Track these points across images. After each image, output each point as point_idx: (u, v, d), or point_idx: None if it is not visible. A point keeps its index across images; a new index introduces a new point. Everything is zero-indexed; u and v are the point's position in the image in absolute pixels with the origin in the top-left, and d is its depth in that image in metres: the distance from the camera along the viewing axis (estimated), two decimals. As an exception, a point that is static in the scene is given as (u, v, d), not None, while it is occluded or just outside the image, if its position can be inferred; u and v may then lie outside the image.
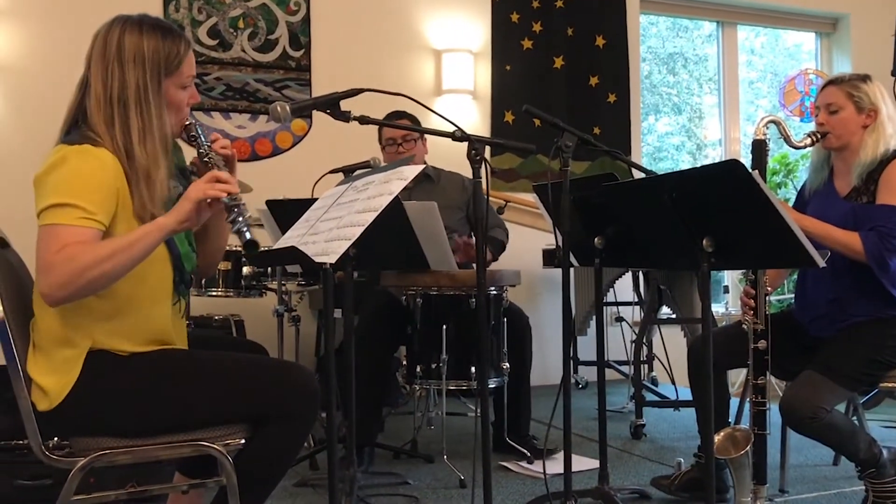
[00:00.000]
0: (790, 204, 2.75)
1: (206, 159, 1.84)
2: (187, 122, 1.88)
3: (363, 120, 2.05)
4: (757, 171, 2.38)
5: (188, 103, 1.87)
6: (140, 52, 1.76)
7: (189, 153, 1.92)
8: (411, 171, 1.89)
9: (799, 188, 2.78)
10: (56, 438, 1.75)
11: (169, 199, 1.80)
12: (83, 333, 1.73)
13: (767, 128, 2.48)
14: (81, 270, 1.60)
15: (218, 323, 3.85)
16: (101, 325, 1.75)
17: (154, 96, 1.77)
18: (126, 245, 1.66)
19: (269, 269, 3.59)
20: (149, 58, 1.77)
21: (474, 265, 2.71)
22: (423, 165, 3.44)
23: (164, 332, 1.84)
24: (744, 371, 2.49)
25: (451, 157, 3.51)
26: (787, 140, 2.51)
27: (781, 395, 2.41)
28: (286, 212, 2.55)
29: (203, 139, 1.87)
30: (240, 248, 3.58)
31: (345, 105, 2.06)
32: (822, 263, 1.79)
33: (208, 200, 1.71)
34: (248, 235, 1.70)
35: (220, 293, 3.63)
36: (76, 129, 1.78)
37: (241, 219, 1.71)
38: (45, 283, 1.62)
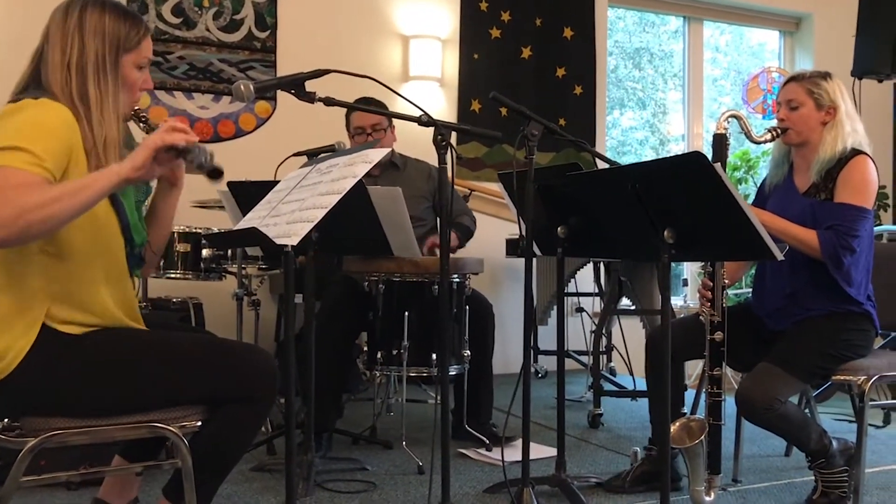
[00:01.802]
0: (751, 199, 2.79)
1: None
2: (136, 107, 1.88)
3: (328, 101, 2.03)
4: (718, 163, 2.40)
5: (141, 87, 1.87)
6: (101, 27, 1.77)
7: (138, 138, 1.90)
8: (377, 154, 1.87)
9: (759, 183, 2.82)
10: (6, 420, 1.71)
11: None
12: (36, 298, 1.69)
13: (728, 122, 2.51)
14: (22, 211, 1.53)
15: (176, 305, 3.80)
16: (53, 291, 1.71)
17: (111, 69, 1.78)
18: (74, 189, 1.61)
19: (229, 251, 3.55)
20: (108, 32, 1.78)
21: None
22: (390, 149, 3.42)
23: (119, 308, 1.81)
24: (700, 363, 2.52)
25: (417, 145, 3.50)
26: (747, 135, 2.54)
27: (737, 387, 2.45)
28: (248, 194, 2.53)
29: (153, 125, 1.87)
30: (199, 230, 3.54)
31: (310, 87, 2.04)
32: (780, 256, 1.82)
33: (165, 149, 1.69)
34: (212, 164, 1.69)
35: (178, 275, 3.57)
36: (27, 91, 1.75)
37: (201, 155, 1.70)
38: None
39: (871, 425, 3.63)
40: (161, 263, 3.54)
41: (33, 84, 1.77)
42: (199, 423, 1.77)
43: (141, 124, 1.90)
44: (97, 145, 1.73)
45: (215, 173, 1.71)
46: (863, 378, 2.45)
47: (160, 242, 2.02)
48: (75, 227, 1.68)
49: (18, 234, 1.55)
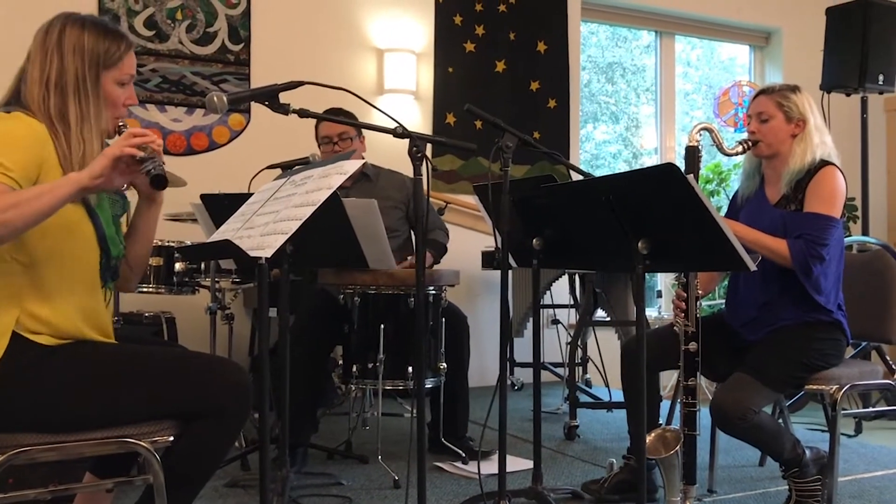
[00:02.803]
0: (723, 211, 2.82)
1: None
2: (120, 123, 1.87)
3: (302, 113, 2.02)
4: (691, 175, 2.43)
5: (125, 103, 1.87)
6: (80, 45, 1.78)
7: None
8: (352, 166, 1.87)
9: (732, 196, 2.85)
10: (-28, 437, 1.68)
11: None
12: (7, 303, 1.68)
13: (700, 135, 2.54)
14: None
15: (148, 320, 3.76)
16: (23, 299, 1.69)
17: (92, 87, 1.79)
18: (33, 195, 1.60)
19: (203, 265, 3.51)
20: (88, 49, 1.79)
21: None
22: (364, 161, 3.41)
23: (91, 321, 1.79)
24: (675, 374, 2.54)
25: (391, 157, 3.50)
26: (719, 147, 2.57)
27: (711, 397, 2.46)
28: (221, 206, 2.50)
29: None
30: (172, 244, 3.51)
31: (284, 100, 2.03)
32: (753, 267, 1.83)
33: (125, 158, 1.68)
34: (158, 172, 1.68)
35: (150, 289, 3.54)
36: (6, 106, 1.76)
37: (152, 164, 1.70)
38: None
39: (843, 434, 3.66)
40: (133, 278, 3.50)
41: (13, 100, 1.78)
42: (171, 438, 1.75)
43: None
44: (74, 163, 1.72)
45: (158, 180, 1.69)
46: (835, 387, 2.48)
47: (141, 260, 2.01)
48: (48, 235, 1.67)
49: None
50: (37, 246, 1.68)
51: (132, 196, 1.98)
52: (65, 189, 1.62)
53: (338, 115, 3.13)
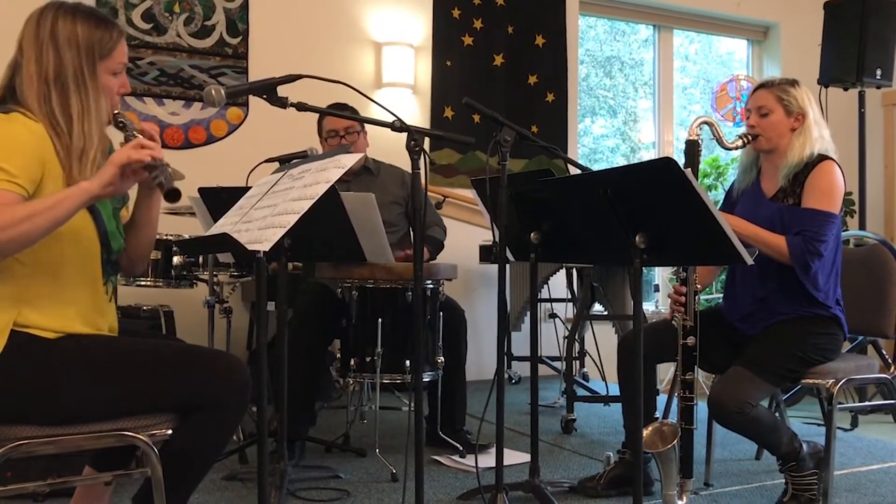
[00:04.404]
0: (719, 204, 2.82)
1: None
2: (116, 111, 1.87)
3: (300, 106, 2.02)
4: (689, 169, 2.43)
5: (119, 91, 1.87)
6: (74, 37, 1.77)
7: (116, 141, 1.89)
8: (349, 160, 1.87)
9: (727, 189, 2.86)
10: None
11: None
12: (6, 303, 1.68)
13: (700, 129, 2.54)
14: None
15: (147, 313, 3.75)
16: (24, 296, 1.69)
17: (91, 80, 1.78)
18: (46, 207, 1.62)
19: (201, 258, 3.51)
20: (82, 42, 1.78)
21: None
22: (363, 155, 3.41)
23: (93, 315, 1.79)
24: (672, 368, 2.54)
25: (389, 150, 3.50)
26: (719, 141, 2.57)
27: (708, 391, 2.47)
28: (219, 200, 2.50)
29: (130, 127, 1.86)
30: (170, 237, 3.50)
31: (282, 93, 2.03)
32: (750, 261, 1.84)
33: (132, 165, 1.69)
34: (170, 185, 1.69)
35: (149, 283, 3.53)
36: (3, 104, 1.75)
37: (162, 174, 1.71)
38: None
39: (839, 428, 3.68)
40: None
41: (9, 95, 1.77)
42: (170, 432, 1.75)
43: (121, 128, 1.87)
44: (73, 157, 1.73)
45: (173, 194, 1.70)
46: (831, 381, 2.48)
47: (144, 250, 2.01)
48: (51, 234, 1.66)
49: None
50: (39, 244, 1.68)
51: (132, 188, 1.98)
52: (77, 199, 1.65)
53: (342, 109, 3.13)
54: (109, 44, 1.81)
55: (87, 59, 1.78)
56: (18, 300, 1.70)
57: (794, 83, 2.61)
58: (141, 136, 1.78)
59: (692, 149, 2.49)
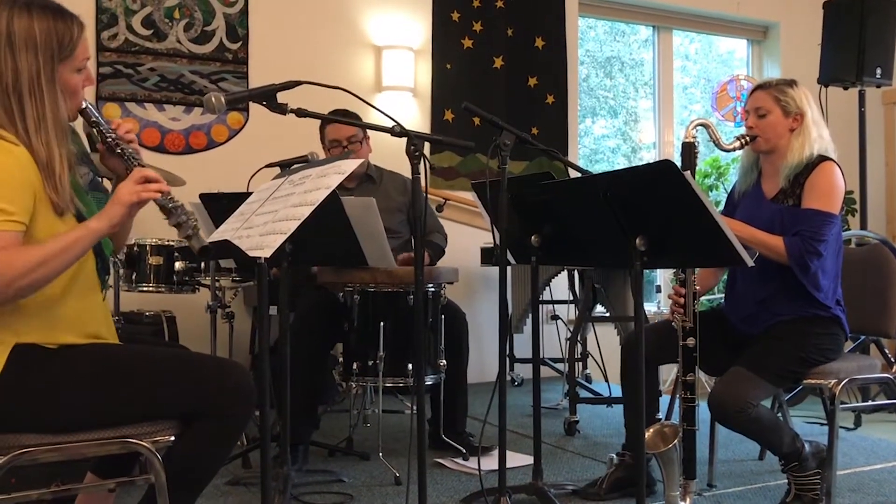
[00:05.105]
0: (721, 206, 2.82)
1: (118, 150, 1.82)
2: (83, 107, 1.82)
3: (300, 113, 2.02)
4: (688, 171, 2.43)
5: (84, 86, 1.81)
6: (31, 37, 1.67)
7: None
8: (349, 165, 1.87)
9: (729, 191, 2.86)
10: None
11: (82, 186, 1.79)
12: (6, 329, 1.67)
13: (697, 131, 2.54)
14: (12, 280, 1.57)
15: (149, 319, 3.76)
16: (25, 319, 1.69)
17: (48, 83, 1.69)
18: (58, 251, 1.63)
19: (203, 264, 3.52)
20: (41, 42, 1.68)
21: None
22: (362, 160, 3.41)
23: (93, 325, 1.80)
24: (675, 369, 2.54)
25: (389, 155, 3.50)
26: (716, 143, 2.57)
27: (710, 391, 2.47)
28: (220, 206, 2.50)
29: (103, 122, 1.84)
30: (172, 242, 3.51)
31: (282, 99, 2.03)
32: (750, 263, 1.84)
33: (141, 204, 1.71)
34: (202, 241, 1.72)
35: (151, 288, 3.54)
36: None
37: (188, 222, 1.73)
38: None
39: (842, 428, 3.68)
40: (134, 277, 3.51)
41: None
42: (173, 438, 1.75)
43: (93, 125, 1.84)
44: (46, 169, 1.68)
45: (204, 251, 1.73)
46: (833, 381, 2.49)
47: (121, 244, 2.03)
48: None
49: (11, 299, 1.62)
50: None
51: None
52: (87, 241, 1.69)
53: (344, 116, 3.13)
54: (70, 42, 1.72)
55: (46, 62, 1.68)
56: (20, 313, 1.68)
57: (791, 83, 2.61)
58: (133, 161, 1.78)
59: (688, 151, 2.50)
